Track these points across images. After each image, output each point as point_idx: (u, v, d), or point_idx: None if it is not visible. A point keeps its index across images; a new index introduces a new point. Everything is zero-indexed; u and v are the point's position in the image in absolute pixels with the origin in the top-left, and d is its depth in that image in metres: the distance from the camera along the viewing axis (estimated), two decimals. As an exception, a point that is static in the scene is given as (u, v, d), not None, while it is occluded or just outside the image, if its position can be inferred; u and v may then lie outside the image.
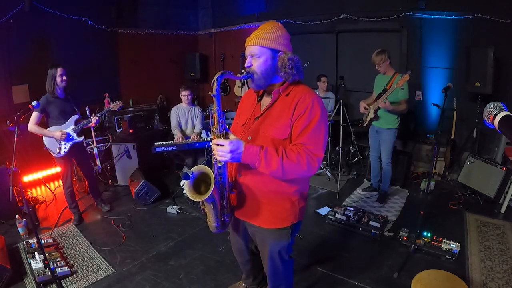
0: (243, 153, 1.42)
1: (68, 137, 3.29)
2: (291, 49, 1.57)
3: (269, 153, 1.44)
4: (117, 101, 3.55)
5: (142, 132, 4.80)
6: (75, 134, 3.33)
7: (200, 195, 1.51)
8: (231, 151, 1.40)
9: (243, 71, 1.54)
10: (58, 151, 3.29)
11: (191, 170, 1.52)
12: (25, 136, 3.15)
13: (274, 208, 1.65)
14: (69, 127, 3.31)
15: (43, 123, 3.28)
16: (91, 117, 3.36)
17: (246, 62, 1.55)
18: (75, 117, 3.34)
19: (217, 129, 1.49)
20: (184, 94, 4.19)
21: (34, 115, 3.17)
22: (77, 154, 3.47)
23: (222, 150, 1.41)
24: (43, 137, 3.29)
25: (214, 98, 1.46)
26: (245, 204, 1.69)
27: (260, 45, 1.50)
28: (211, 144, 1.48)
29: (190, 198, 1.52)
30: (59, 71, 3.14)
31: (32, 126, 3.18)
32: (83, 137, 3.39)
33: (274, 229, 1.69)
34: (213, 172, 1.53)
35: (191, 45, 6.90)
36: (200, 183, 1.58)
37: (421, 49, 4.65)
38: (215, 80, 1.44)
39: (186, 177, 1.49)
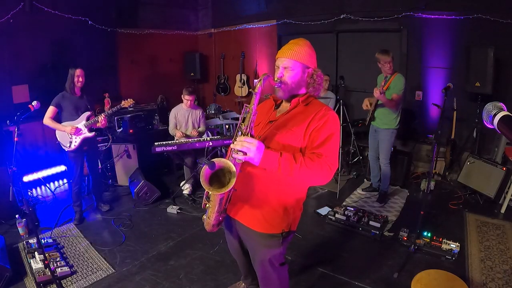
0: (262, 157, 1.43)
1: (78, 132, 3.37)
2: (316, 66, 1.69)
3: (288, 159, 1.46)
4: (129, 99, 3.59)
5: (142, 132, 4.80)
6: (86, 129, 3.40)
7: (217, 188, 1.48)
8: (258, 149, 1.42)
9: (276, 79, 1.62)
10: (69, 145, 3.40)
11: (213, 160, 1.49)
12: (25, 136, 3.16)
13: (267, 212, 1.64)
14: (81, 123, 3.40)
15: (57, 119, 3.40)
16: (99, 116, 3.39)
17: (279, 72, 1.63)
18: (87, 113, 3.43)
19: (246, 126, 1.50)
20: (188, 99, 4.13)
21: (50, 109, 3.35)
22: (88, 150, 3.56)
23: (249, 146, 1.42)
24: (56, 131, 3.41)
25: (253, 96, 1.50)
26: (239, 203, 1.69)
27: (294, 59, 1.60)
28: (235, 140, 1.46)
29: (206, 189, 1.50)
30: (77, 72, 3.32)
31: (46, 119, 3.33)
32: (94, 133, 3.46)
33: (264, 234, 1.67)
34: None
35: (191, 45, 6.90)
36: (214, 176, 1.56)
37: (421, 49, 4.65)
38: (261, 79, 1.50)
39: (212, 166, 1.47)
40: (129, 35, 5.77)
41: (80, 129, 3.39)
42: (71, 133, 3.35)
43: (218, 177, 1.53)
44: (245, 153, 1.41)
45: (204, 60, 6.81)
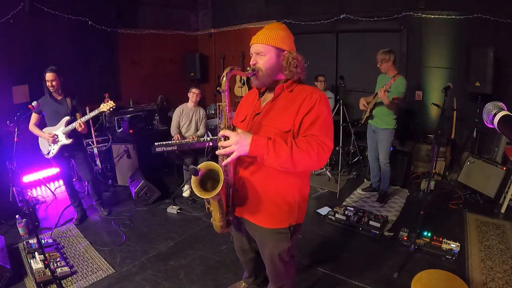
0: (251, 144, 1.41)
1: (55, 140, 3.22)
2: (295, 49, 1.61)
3: (277, 143, 1.42)
4: (109, 101, 3.26)
5: (142, 132, 4.80)
6: (63, 136, 3.23)
7: (207, 192, 1.49)
8: (238, 143, 1.40)
9: (248, 68, 1.56)
10: (47, 153, 3.31)
11: (199, 166, 1.50)
12: (25, 136, 3.17)
13: (273, 207, 1.63)
14: (59, 129, 3.24)
15: (43, 124, 3.31)
16: (76, 123, 3.15)
17: (252, 59, 1.58)
18: (66, 118, 3.22)
19: (225, 125, 1.50)
20: (195, 92, 4.13)
21: (33, 115, 3.24)
22: (71, 155, 3.42)
23: (228, 142, 1.42)
24: (38, 138, 3.33)
25: (223, 94, 1.47)
26: (243, 202, 1.68)
27: (266, 44, 1.54)
28: (217, 137, 1.47)
29: (198, 195, 1.49)
30: (46, 77, 3.09)
31: (30, 125, 3.26)
32: (71, 140, 3.24)
33: (272, 229, 1.67)
34: None
35: (191, 45, 6.90)
36: (206, 180, 1.55)
37: (421, 49, 4.65)
38: (225, 75, 1.45)
39: (196, 173, 1.47)
40: (129, 35, 5.77)
41: (57, 136, 3.22)
42: (49, 141, 3.21)
43: (214, 179, 1.52)
44: (231, 152, 1.42)
45: (204, 60, 6.80)
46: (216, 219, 1.68)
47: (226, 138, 1.45)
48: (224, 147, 1.44)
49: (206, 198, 1.58)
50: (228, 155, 1.44)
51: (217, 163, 1.54)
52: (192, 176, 1.49)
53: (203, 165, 1.52)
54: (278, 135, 1.49)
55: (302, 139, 1.46)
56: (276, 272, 1.85)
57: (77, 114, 3.26)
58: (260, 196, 1.63)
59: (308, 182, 1.74)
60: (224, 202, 1.62)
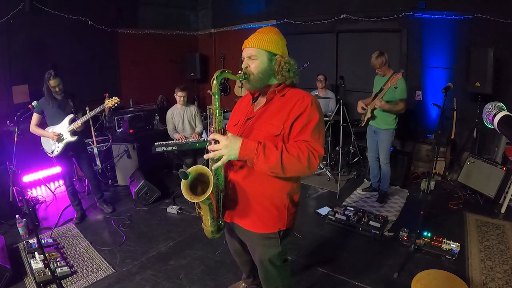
0: (240, 148, 1.40)
1: (60, 138, 3.24)
2: (287, 53, 1.60)
3: (267, 147, 1.42)
4: (113, 97, 3.31)
5: (142, 132, 4.81)
6: (68, 134, 3.26)
7: (197, 196, 1.47)
8: (228, 146, 1.40)
9: (240, 72, 1.55)
10: (51, 151, 3.31)
11: (188, 170, 1.49)
12: (25, 136, 3.17)
13: (262, 211, 1.61)
14: (63, 127, 3.27)
15: (44, 124, 3.31)
16: (76, 122, 3.21)
17: (243, 63, 1.57)
18: (69, 116, 3.27)
19: (215, 128, 1.49)
20: (180, 95, 4.13)
21: (34, 116, 3.24)
22: (75, 154, 3.46)
23: (218, 146, 1.41)
24: (41, 138, 3.33)
25: (213, 96, 1.46)
26: (233, 205, 1.65)
27: (258, 47, 1.53)
28: (208, 140, 1.46)
29: (187, 199, 1.48)
30: (51, 83, 3.10)
31: (32, 127, 3.25)
32: (76, 137, 3.29)
33: (261, 234, 1.65)
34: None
35: (191, 45, 6.91)
36: (197, 184, 1.54)
37: (421, 49, 4.65)
38: (215, 78, 1.44)
39: (185, 176, 1.45)
40: (129, 35, 5.77)
41: (62, 134, 3.25)
42: (53, 139, 3.21)
43: (204, 183, 1.50)
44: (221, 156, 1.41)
45: (204, 60, 6.80)
46: (207, 225, 1.65)
47: (216, 141, 1.43)
48: (214, 151, 1.42)
49: (196, 203, 1.56)
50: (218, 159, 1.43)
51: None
52: (182, 179, 1.47)
53: (193, 169, 1.49)
54: (267, 139, 1.48)
55: (293, 144, 1.45)
56: (268, 276, 1.83)
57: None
58: (249, 200, 1.61)
59: (299, 187, 1.71)
60: (214, 207, 1.60)
